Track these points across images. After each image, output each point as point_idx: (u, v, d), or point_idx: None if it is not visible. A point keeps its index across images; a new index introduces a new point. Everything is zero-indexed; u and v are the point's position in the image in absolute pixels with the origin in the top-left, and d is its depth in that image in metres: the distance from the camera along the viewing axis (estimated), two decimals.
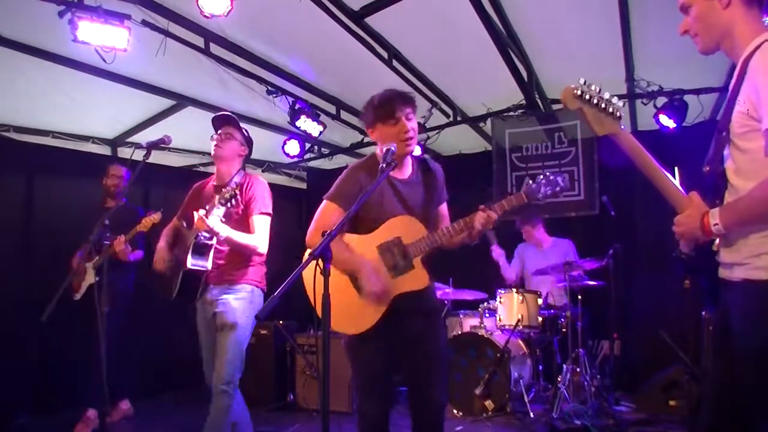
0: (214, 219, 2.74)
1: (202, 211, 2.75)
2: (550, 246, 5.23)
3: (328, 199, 2.33)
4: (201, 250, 2.86)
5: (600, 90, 1.70)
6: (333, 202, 2.31)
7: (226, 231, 2.81)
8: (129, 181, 4.18)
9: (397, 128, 2.26)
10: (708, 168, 1.70)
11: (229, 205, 2.76)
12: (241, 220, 2.96)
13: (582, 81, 1.68)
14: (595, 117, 1.70)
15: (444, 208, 2.52)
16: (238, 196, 2.83)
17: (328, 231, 1.80)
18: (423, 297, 2.31)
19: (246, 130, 3.20)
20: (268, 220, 3.01)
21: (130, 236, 4.02)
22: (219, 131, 3.11)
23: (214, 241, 2.87)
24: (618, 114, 1.70)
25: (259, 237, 2.95)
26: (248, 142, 3.20)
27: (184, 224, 3.10)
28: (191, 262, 2.82)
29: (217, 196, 2.75)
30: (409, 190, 2.36)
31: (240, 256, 2.97)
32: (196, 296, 3.00)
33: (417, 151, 2.53)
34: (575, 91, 1.68)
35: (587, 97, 1.68)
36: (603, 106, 1.68)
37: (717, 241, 1.68)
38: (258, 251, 2.97)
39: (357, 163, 2.41)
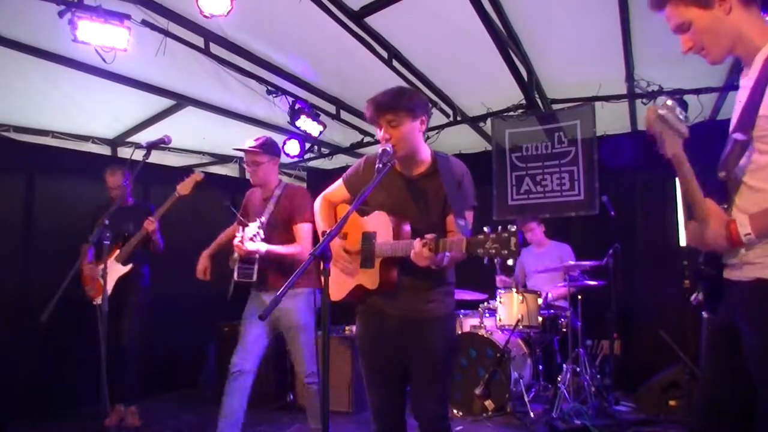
0: (250, 243, 3.03)
1: (237, 238, 3.07)
2: (548, 248, 5.24)
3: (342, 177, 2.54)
4: (246, 265, 3.15)
5: (675, 107, 1.61)
6: (341, 180, 2.51)
7: (264, 247, 3.09)
8: (130, 180, 4.24)
9: (380, 133, 2.23)
10: (724, 173, 1.64)
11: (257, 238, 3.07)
12: (285, 229, 3.24)
13: (669, 103, 1.60)
14: (672, 139, 1.60)
15: (450, 220, 2.19)
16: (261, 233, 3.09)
17: (328, 231, 1.82)
18: (410, 303, 2.25)
19: (268, 139, 3.34)
20: (309, 227, 3.25)
21: (160, 213, 4.00)
22: (246, 162, 3.32)
23: (257, 256, 3.13)
24: (684, 131, 1.61)
25: (302, 245, 3.21)
26: (273, 149, 3.33)
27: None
28: (236, 276, 3.15)
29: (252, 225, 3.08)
30: (408, 191, 2.30)
31: (291, 265, 3.19)
32: (248, 294, 3.33)
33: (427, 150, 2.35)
34: (661, 112, 1.58)
35: (667, 117, 1.58)
36: (677, 126, 1.59)
37: (743, 250, 1.60)
38: (299, 258, 3.18)
39: (369, 155, 2.46)
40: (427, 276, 2.22)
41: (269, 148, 3.29)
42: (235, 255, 3.14)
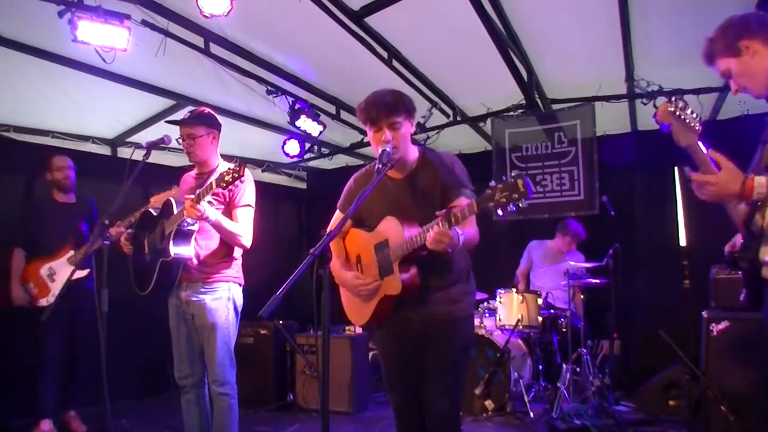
0: (205, 203, 2.65)
1: (191, 196, 2.64)
2: (564, 256, 5.23)
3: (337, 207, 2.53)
4: (184, 238, 2.77)
5: (687, 107, 1.91)
6: (338, 209, 2.52)
7: (215, 215, 2.71)
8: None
9: (379, 136, 2.24)
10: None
11: (226, 187, 2.64)
12: (224, 213, 2.87)
13: (680, 104, 1.90)
14: (681, 131, 1.91)
15: (458, 202, 2.18)
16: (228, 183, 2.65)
17: (328, 231, 1.82)
18: (428, 302, 2.27)
19: (205, 110, 3.02)
20: (252, 212, 2.94)
21: (129, 223, 3.59)
22: (181, 136, 2.97)
23: (196, 227, 2.80)
24: (697, 128, 1.89)
25: (245, 228, 2.89)
26: (210, 121, 2.99)
27: (152, 211, 3.04)
28: (174, 251, 2.73)
29: (211, 181, 2.62)
30: (403, 190, 2.32)
31: (216, 253, 2.90)
32: (169, 291, 2.92)
33: (415, 152, 2.39)
34: (670, 108, 1.89)
35: (678, 113, 1.88)
36: (688, 121, 1.88)
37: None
38: (242, 242, 2.87)
39: (356, 174, 2.52)
40: (447, 273, 2.27)
41: (206, 119, 2.95)
42: (170, 229, 2.71)
